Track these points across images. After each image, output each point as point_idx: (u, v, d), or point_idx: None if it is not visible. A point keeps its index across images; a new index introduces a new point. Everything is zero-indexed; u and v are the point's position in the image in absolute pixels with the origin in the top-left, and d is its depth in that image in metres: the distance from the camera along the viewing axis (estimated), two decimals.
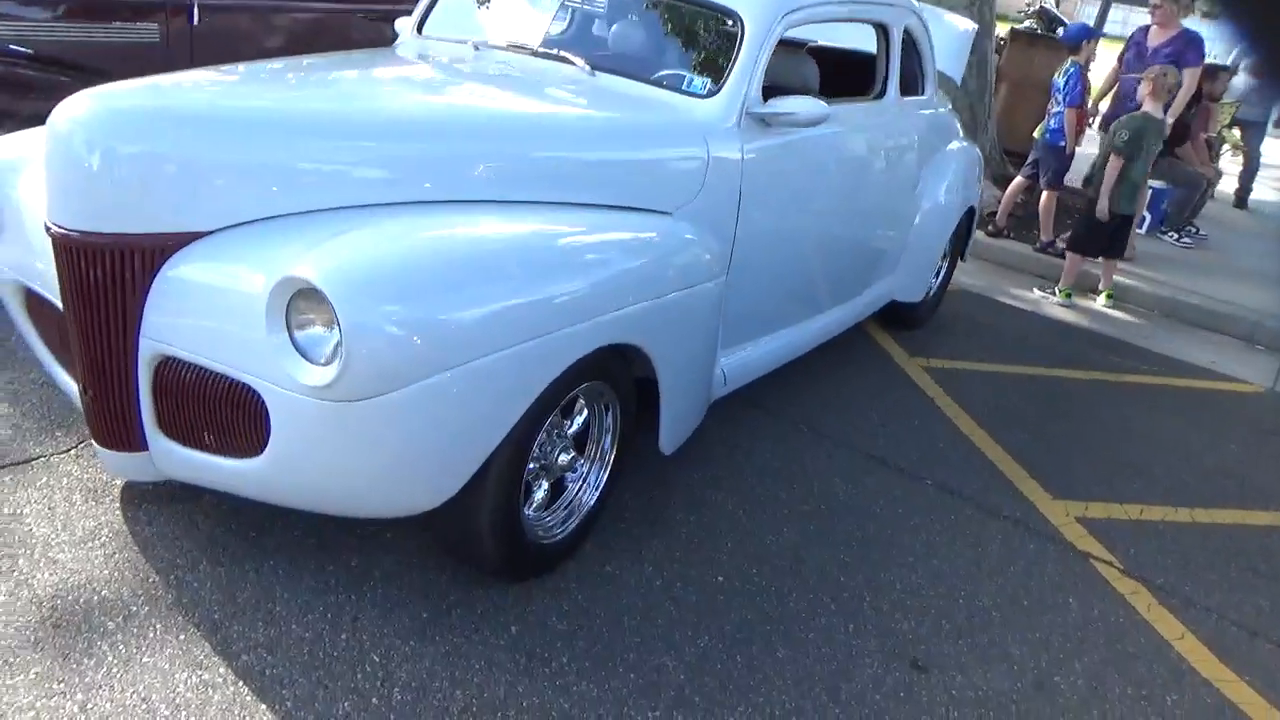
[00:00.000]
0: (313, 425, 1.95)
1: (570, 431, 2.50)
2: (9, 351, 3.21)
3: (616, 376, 2.52)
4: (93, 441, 2.27)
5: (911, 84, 4.22)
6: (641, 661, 2.30)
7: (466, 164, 2.38)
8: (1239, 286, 6.53)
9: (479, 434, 2.10)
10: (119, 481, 2.64)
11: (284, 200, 2.14)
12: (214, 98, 2.32)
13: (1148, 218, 7.29)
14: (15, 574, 2.26)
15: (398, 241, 2.03)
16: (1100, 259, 5.99)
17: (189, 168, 2.05)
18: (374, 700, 2.06)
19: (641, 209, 2.69)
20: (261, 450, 2.03)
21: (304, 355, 1.90)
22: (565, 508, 2.54)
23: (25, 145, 2.49)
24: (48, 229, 2.06)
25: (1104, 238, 5.78)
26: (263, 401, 1.97)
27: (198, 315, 2.04)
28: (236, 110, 2.23)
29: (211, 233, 2.08)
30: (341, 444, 1.97)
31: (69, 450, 2.76)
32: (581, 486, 2.58)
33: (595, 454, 2.61)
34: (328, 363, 1.88)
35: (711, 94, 2.95)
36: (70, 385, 2.43)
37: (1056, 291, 5.93)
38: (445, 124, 2.49)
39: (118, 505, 2.56)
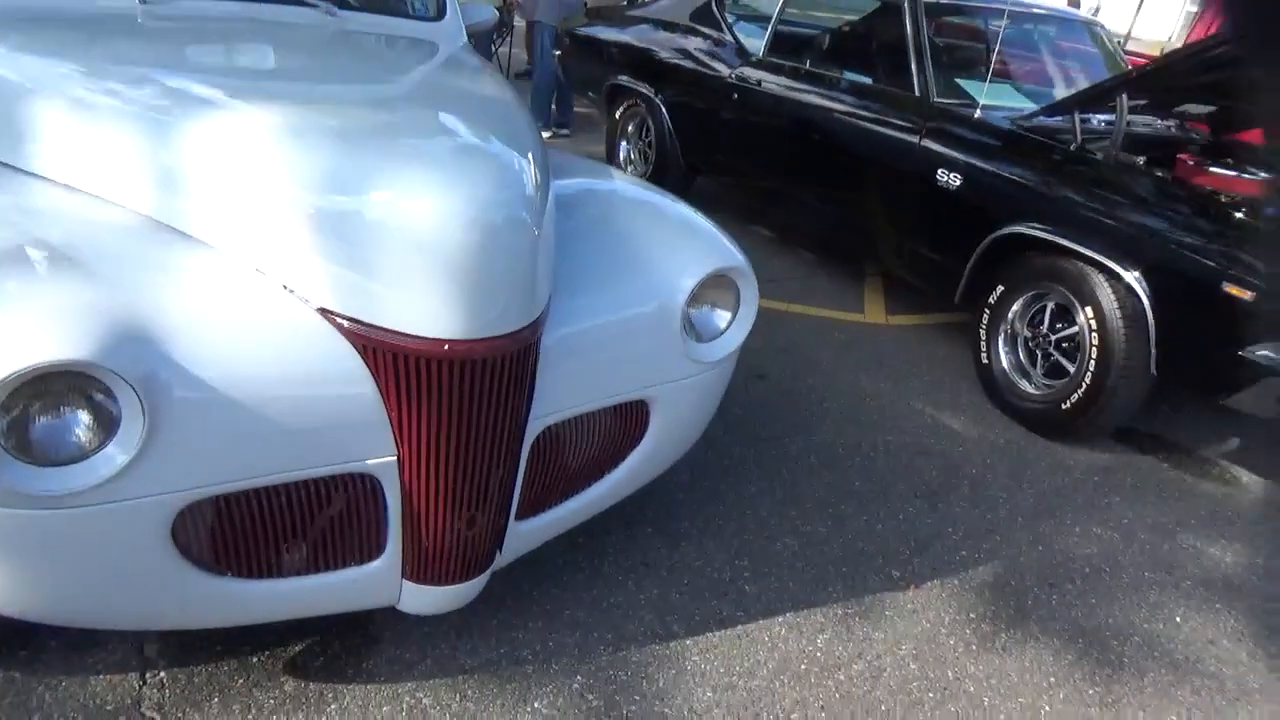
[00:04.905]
0: (698, 394, 2.14)
1: None
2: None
3: None
4: (424, 586, 1.79)
5: None
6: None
7: None
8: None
9: None
10: (336, 687, 1.90)
11: None
12: (478, 140, 1.87)
13: None
14: None
15: None
16: None
17: (543, 219, 1.79)
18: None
19: None
20: (630, 455, 2.08)
21: (700, 338, 2.08)
22: None
23: (143, 296, 1.54)
24: (450, 351, 1.59)
25: None
26: (643, 405, 2.03)
27: (583, 364, 1.91)
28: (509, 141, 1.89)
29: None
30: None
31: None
32: None
33: None
34: (715, 337, 2.11)
35: (441, 14, 2.83)
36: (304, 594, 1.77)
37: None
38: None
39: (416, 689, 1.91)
